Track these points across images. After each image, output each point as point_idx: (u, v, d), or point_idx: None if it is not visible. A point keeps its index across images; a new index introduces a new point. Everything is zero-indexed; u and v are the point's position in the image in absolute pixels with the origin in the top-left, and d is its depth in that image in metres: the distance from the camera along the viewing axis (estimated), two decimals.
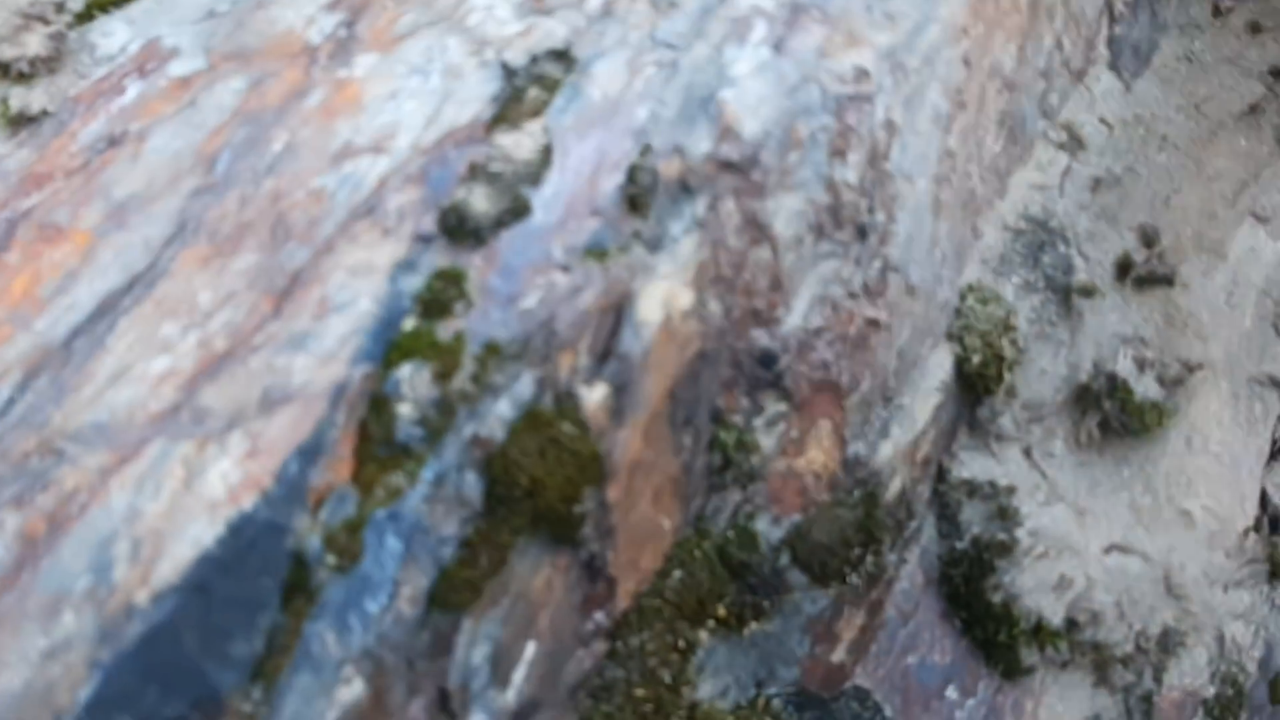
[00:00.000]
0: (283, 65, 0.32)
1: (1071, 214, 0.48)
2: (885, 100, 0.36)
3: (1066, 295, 0.46)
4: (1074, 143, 0.48)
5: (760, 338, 0.37)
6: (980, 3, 0.40)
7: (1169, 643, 0.45)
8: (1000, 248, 0.46)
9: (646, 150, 0.31)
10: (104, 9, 0.36)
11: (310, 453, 0.27)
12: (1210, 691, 0.45)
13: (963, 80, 0.41)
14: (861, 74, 0.35)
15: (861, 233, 0.37)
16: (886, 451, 0.42)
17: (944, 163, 0.41)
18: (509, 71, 0.32)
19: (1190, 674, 0.45)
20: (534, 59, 0.32)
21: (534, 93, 0.31)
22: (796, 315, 0.37)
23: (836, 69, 0.35)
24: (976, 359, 0.44)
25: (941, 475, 0.46)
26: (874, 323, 0.39)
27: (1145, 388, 0.47)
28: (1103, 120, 0.48)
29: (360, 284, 0.28)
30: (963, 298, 0.45)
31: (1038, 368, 0.46)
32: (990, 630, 0.44)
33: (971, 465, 0.46)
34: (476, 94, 0.32)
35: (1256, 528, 0.49)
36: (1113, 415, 0.46)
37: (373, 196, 0.30)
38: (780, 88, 0.34)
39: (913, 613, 0.46)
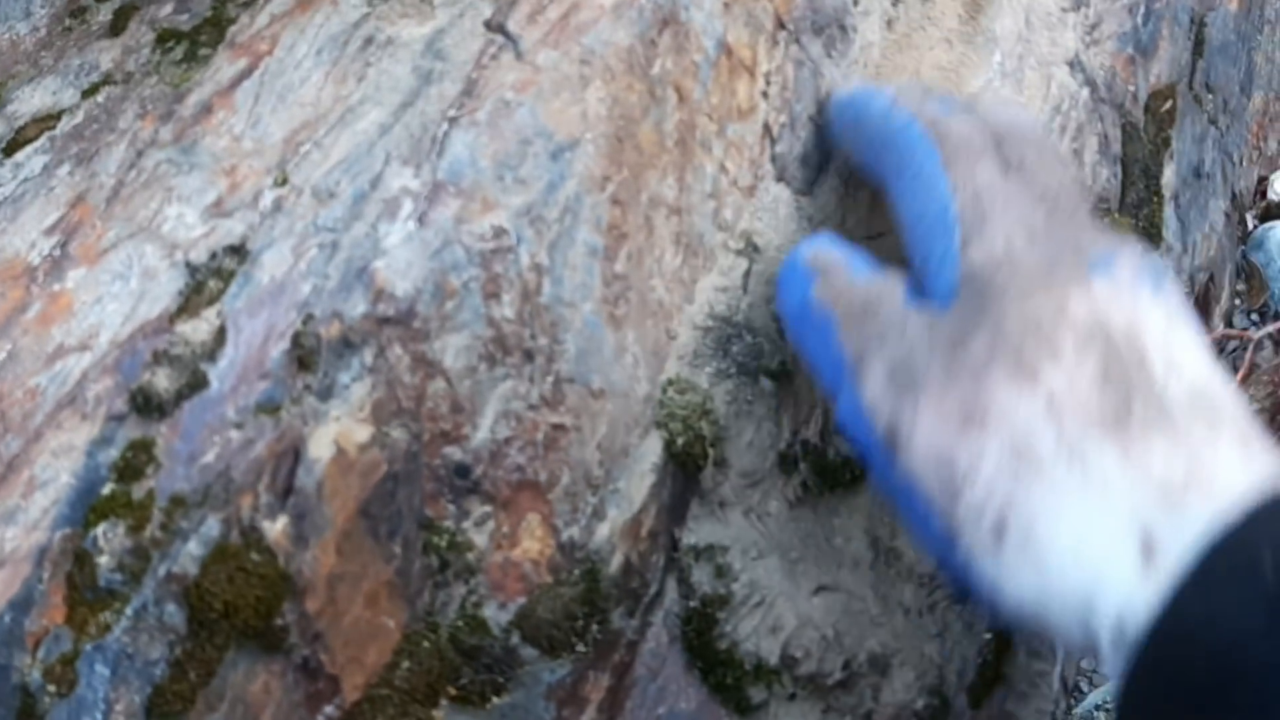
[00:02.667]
0: (7, 286, 0.39)
1: (757, 308, 0.56)
2: (528, 248, 0.44)
3: (757, 377, 0.54)
4: (751, 248, 0.56)
5: (453, 453, 0.44)
6: (618, 153, 0.48)
7: (879, 665, 0.52)
8: (694, 344, 0.54)
9: (309, 318, 0.39)
10: None
11: (22, 605, 0.33)
12: (920, 703, 0.52)
13: (617, 217, 0.49)
14: (500, 231, 0.43)
15: (529, 356, 0.45)
16: (604, 532, 0.49)
17: (613, 285, 0.49)
18: (192, 269, 0.39)
19: (901, 690, 0.52)
20: (214, 255, 0.40)
21: (212, 284, 0.39)
22: (484, 430, 0.44)
23: (476, 230, 0.42)
24: (681, 441, 0.51)
25: (675, 544, 0.53)
26: (560, 427, 0.46)
27: (835, 448, 0.54)
28: (777, 229, 0.57)
29: (62, 462, 0.35)
30: (664, 390, 0.52)
31: (745, 440, 0.54)
32: (721, 675, 0.51)
33: (701, 531, 0.54)
34: (166, 290, 0.39)
35: None
36: (809, 476, 0.54)
37: (75, 388, 0.37)
38: (425, 252, 0.41)
39: (660, 669, 0.53)
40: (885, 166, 0.46)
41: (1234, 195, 1.00)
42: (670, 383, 0.53)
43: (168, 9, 0.48)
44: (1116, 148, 0.72)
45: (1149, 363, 0.33)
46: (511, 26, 0.48)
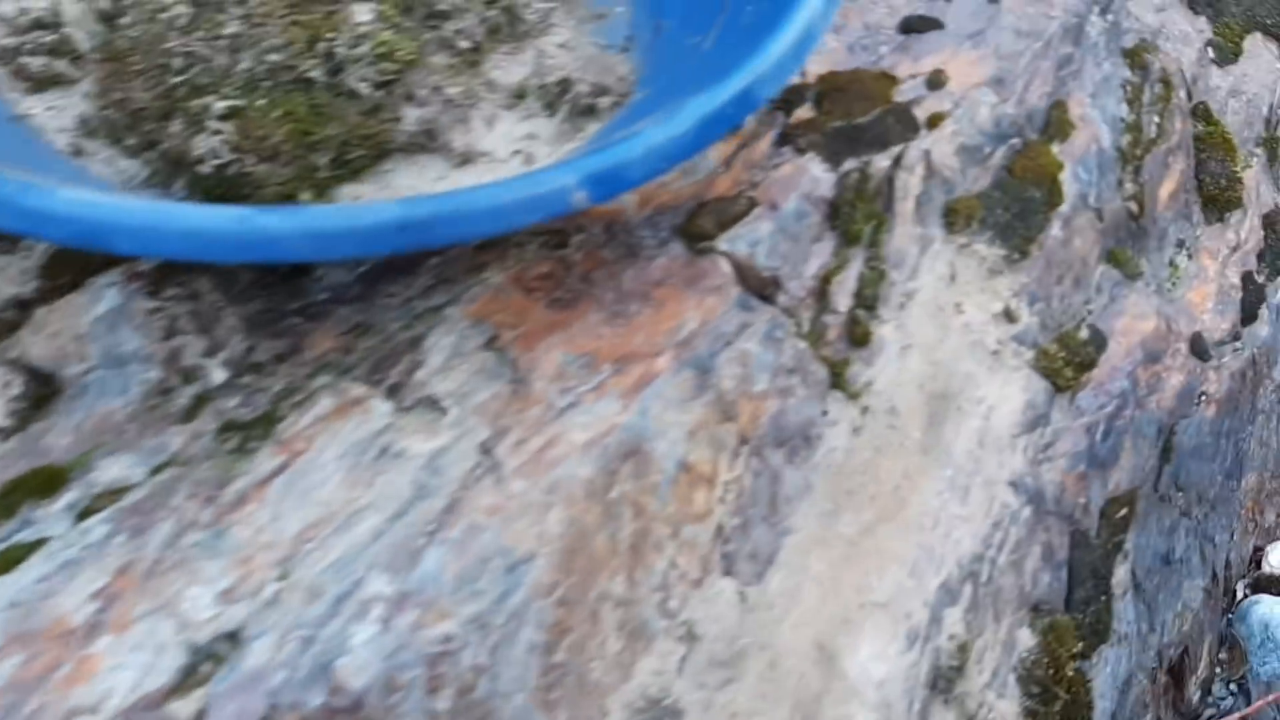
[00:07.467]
0: (51, 645, 0.50)
1: (690, 690, 0.64)
2: (472, 651, 0.53)
3: None
4: (691, 636, 0.65)
5: None
6: (570, 560, 0.58)
7: None
8: None
9: (274, 708, 0.48)
10: None
11: None
12: None
13: (563, 615, 0.58)
14: (449, 637, 0.52)
15: None
16: None
17: (549, 674, 0.57)
18: (195, 650, 0.50)
19: None
20: (214, 639, 0.50)
21: (206, 666, 0.49)
22: None
23: (428, 635, 0.52)
24: None
25: None
26: None
27: None
28: (717, 619, 0.65)
29: None
30: None
31: None
32: None
33: None
34: (169, 667, 0.49)
35: None
36: None
37: None
38: (382, 653, 0.51)
39: None
40: None
41: (1214, 574, 1.05)
42: None
43: (234, 401, 0.60)
44: (1062, 554, 0.79)
45: None
46: (499, 451, 0.58)
